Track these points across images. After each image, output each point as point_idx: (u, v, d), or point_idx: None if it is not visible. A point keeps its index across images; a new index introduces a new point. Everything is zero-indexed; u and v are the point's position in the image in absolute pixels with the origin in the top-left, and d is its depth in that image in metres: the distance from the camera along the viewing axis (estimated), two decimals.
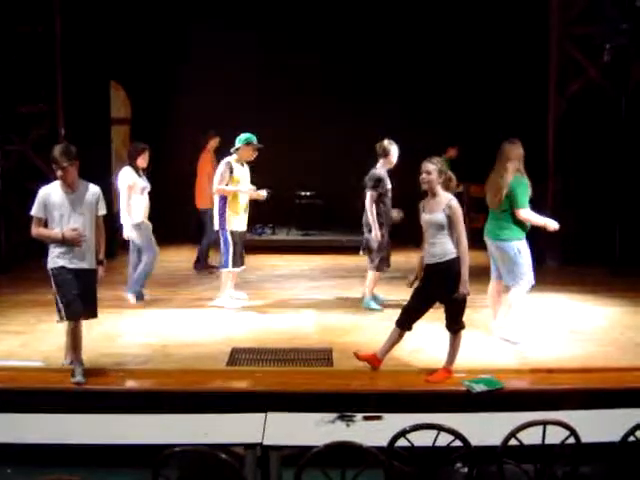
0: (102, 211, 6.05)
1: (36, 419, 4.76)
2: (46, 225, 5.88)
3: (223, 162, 8.27)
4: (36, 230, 5.91)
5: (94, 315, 6.13)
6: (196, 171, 10.14)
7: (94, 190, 6.00)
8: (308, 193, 12.09)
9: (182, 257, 10.97)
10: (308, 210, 12.04)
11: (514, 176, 6.62)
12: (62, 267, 5.84)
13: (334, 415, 4.68)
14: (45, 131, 10.48)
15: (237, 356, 6.55)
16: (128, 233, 8.14)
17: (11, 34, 10.03)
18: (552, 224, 6.78)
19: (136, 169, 8.14)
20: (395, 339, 6.05)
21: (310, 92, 12.05)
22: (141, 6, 11.51)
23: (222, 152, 10.01)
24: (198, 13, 11.93)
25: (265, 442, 4.31)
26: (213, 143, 10.15)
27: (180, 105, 12.56)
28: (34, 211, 5.87)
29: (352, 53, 12.06)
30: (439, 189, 5.84)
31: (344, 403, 5.19)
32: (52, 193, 5.87)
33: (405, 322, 5.98)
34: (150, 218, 8.33)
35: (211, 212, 9.58)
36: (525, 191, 6.66)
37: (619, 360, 6.46)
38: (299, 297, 8.78)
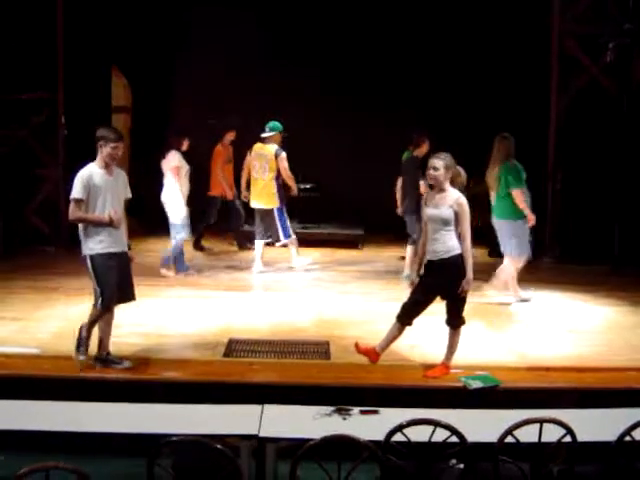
0: (129, 194, 6.00)
1: (30, 406, 4.74)
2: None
3: (283, 152, 9.25)
4: (77, 214, 5.65)
5: (134, 298, 6.09)
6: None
7: (123, 173, 5.97)
8: (307, 186, 12.04)
9: None
10: (307, 203, 12.00)
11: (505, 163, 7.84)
12: (102, 254, 5.70)
13: (331, 408, 4.68)
14: (45, 118, 10.45)
15: (234, 347, 6.55)
16: (180, 210, 8.71)
17: (12, 21, 9.98)
18: None
19: (182, 153, 8.89)
20: (395, 334, 6.02)
21: (311, 84, 12.00)
22: None
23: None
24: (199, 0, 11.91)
25: (261, 434, 4.30)
26: (229, 136, 10.49)
27: (180, 94, 12.52)
28: (77, 193, 5.61)
29: (355, 49, 12.00)
30: (447, 185, 5.81)
31: (341, 396, 5.17)
32: (94, 175, 5.67)
33: (406, 317, 5.96)
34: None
35: (218, 200, 10.45)
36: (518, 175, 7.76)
37: (616, 360, 6.45)
38: (297, 290, 8.76)
